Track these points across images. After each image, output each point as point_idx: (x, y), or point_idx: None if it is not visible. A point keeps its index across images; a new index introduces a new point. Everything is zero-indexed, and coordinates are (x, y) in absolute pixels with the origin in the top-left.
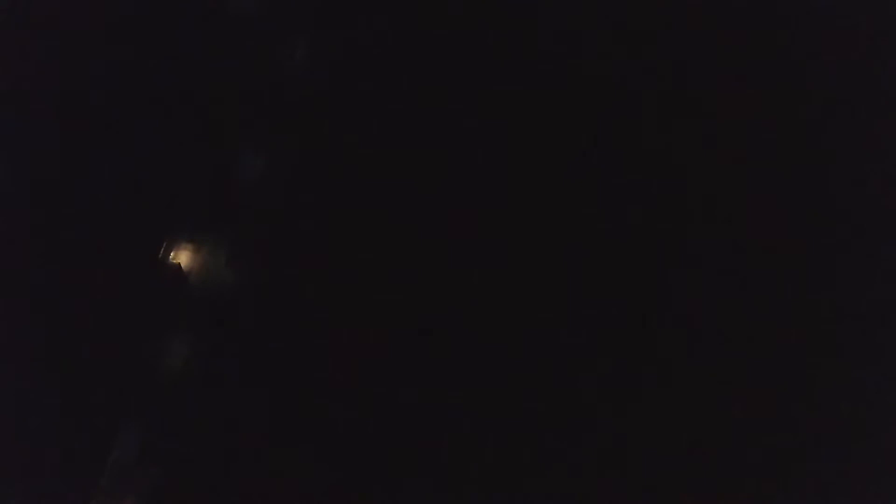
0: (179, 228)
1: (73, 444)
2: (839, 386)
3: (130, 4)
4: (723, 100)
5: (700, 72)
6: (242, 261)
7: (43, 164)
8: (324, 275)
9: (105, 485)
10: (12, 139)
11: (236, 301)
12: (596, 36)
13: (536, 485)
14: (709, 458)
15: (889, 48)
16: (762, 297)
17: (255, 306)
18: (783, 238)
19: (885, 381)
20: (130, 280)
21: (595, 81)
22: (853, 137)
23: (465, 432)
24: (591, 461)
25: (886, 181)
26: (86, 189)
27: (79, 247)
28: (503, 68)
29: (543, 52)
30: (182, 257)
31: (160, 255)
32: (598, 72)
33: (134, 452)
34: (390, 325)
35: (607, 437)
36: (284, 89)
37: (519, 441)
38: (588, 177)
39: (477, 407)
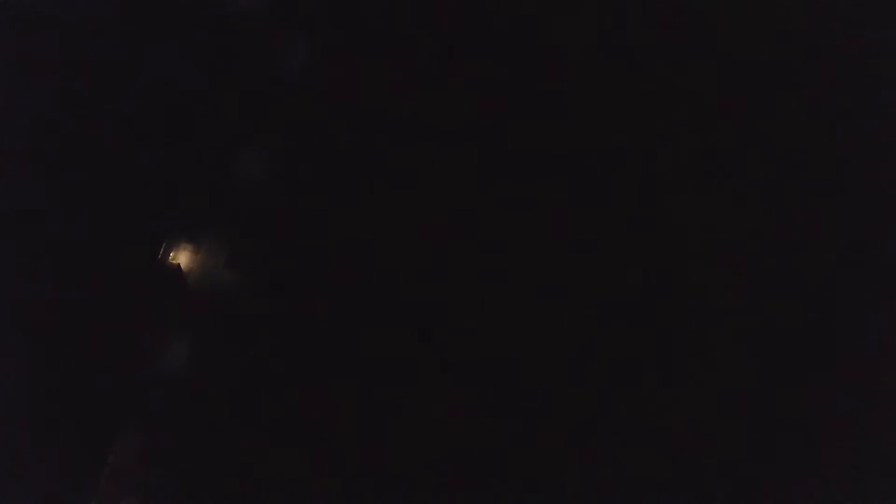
0: (179, 228)
1: (73, 444)
2: (839, 386)
3: (129, 4)
4: (723, 98)
5: (700, 72)
6: (242, 261)
7: (41, 163)
8: (324, 275)
9: (105, 485)
10: (11, 141)
11: (236, 301)
12: (596, 35)
13: (536, 487)
14: (709, 459)
15: (889, 47)
16: (762, 297)
17: (255, 306)
18: (784, 238)
19: (885, 381)
20: (130, 280)
21: (595, 81)
22: (854, 137)
23: (466, 434)
24: (590, 462)
25: (887, 181)
26: (84, 189)
27: (78, 247)
28: (507, 68)
29: (547, 52)
30: (182, 257)
31: (160, 255)
32: (598, 71)
33: (134, 452)
34: (391, 325)
35: (607, 438)
36: (284, 89)
37: (519, 444)
38: (588, 177)
39: (478, 408)
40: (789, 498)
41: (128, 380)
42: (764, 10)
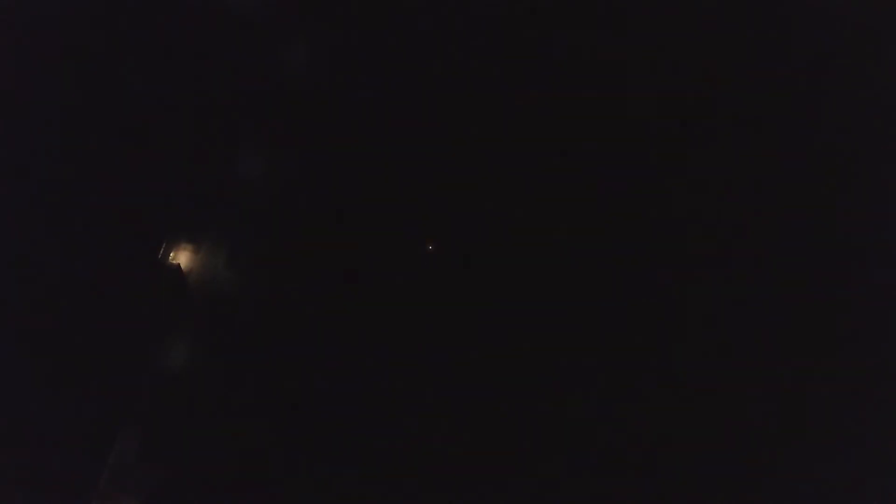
0: (179, 229)
1: (73, 444)
2: (838, 386)
3: (131, 5)
4: (724, 100)
5: (702, 73)
6: (242, 261)
7: (43, 165)
8: (324, 274)
9: (105, 485)
10: (12, 141)
11: (236, 301)
12: (596, 36)
13: (538, 485)
14: (709, 459)
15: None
16: (763, 298)
17: (255, 306)
18: (784, 239)
19: (885, 382)
20: (130, 280)
21: (595, 81)
22: (854, 138)
23: (466, 432)
24: (592, 461)
25: (886, 181)
26: (86, 190)
27: (79, 247)
28: (502, 68)
29: (544, 52)
30: (182, 257)
31: (160, 256)
32: (598, 72)
33: (134, 452)
34: (391, 324)
35: (608, 437)
36: (284, 89)
37: (520, 442)
38: (587, 179)
39: (478, 408)
40: (790, 498)
41: (128, 380)
42: (765, 14)
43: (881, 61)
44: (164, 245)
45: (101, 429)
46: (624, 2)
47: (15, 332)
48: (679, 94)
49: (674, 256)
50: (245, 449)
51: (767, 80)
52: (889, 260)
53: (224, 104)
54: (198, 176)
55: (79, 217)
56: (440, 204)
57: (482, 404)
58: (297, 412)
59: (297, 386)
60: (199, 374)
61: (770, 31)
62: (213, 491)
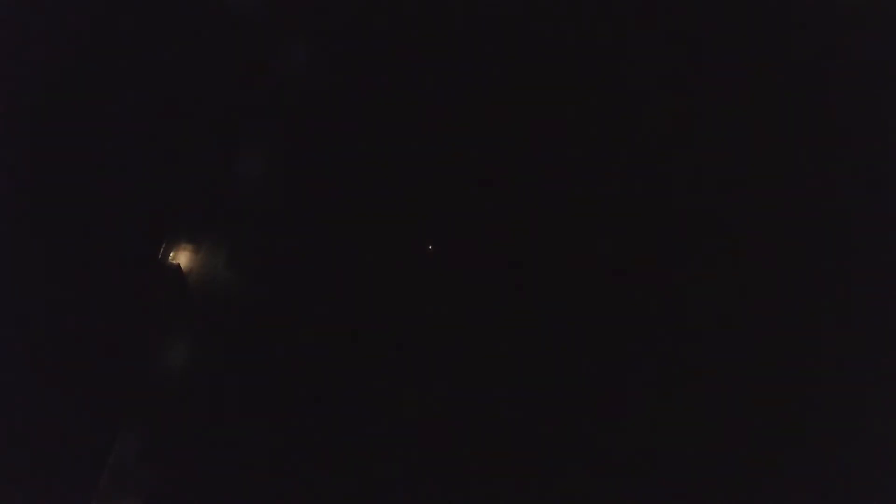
0: (179, 229)
1: (73, 444)
2: (838, 386)
3: (131, 5)
4: (724, 98)
5: (704, 74)
6: (242, 261)
7: (43, 165)
8: (324, 274)
9: (105, 485)
10: (12, 140)
11: (236, 301)
12: (596, 36)
13: (538, 485)
14: (709, 459)
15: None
16: (763, 298)
17: (255, 306)
18: (785, 240)
19: (885, 382)
20: (130, 280)
21: (597, 81)
22: (855, 139)
23: (465, 434)
24: (591, 462)
25: (887, 183)
26: (86, 190)
27: (79, 248)
28: (502, 68)
29: (542, 51)
30: (182, 258)
31: (160, 256)
32: (598, 72)
33: (134, 452)
34: (390, 324)
35: (609, 437)
36: (284, 89)
37: (520, 443)
38: (587, 179)
39: (478, 408)
40: (790, 498)
41: (128, 379)
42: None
43: (881, 61)
44: (164, 245)
45: (101, 429)
46: (624, 1)
47: (15, 333)
48: (679, 93)
49: (676, 256)
50: (245, 449)
51: (768, 80)
52: (889, 260)
53: (224, 104)
54: (198, 176)
55: (79, 217)
56: (440, 204)
57: (482, 404)
58: (297, 412)
59: (297, 386)
60: (199, 374)
61: (770, 30)
62: (213, 491)
